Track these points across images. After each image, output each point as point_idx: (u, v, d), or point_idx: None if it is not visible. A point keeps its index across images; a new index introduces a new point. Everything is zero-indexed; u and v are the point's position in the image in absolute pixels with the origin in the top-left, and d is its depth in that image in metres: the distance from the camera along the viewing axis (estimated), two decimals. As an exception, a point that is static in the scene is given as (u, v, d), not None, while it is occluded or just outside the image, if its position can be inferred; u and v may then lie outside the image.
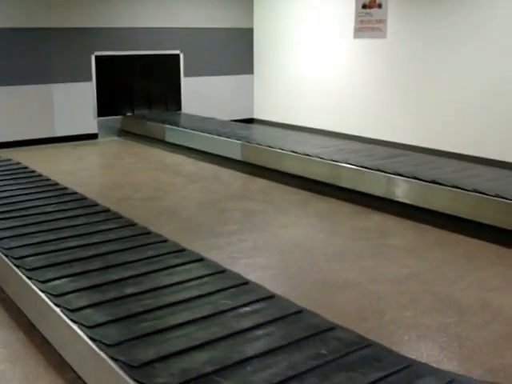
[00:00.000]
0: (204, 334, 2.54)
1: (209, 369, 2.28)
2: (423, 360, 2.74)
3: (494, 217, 4.65)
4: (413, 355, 2.81)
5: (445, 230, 4.94)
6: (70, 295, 2.90)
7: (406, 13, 8.02)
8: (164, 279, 3.11)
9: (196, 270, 3.24)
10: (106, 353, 2.39)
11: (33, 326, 3.15)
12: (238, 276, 3.20)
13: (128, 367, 2.28)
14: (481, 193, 4.72)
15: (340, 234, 5.01)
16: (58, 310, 2.77)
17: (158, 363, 2.32)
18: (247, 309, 2.78)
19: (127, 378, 2.24)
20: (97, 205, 4.47)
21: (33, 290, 3.02)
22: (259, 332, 2.57)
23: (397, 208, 5.39)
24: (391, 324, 3.35)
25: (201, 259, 3.40)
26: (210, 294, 2.92)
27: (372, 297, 3.71)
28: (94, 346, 2.46)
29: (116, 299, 2.87)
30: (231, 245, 4.60)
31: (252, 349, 2.43)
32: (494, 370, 2.87)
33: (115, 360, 2.34)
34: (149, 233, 3.84)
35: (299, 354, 2.41)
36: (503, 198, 4.60)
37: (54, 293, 2.91)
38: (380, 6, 8.26)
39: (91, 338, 2.51)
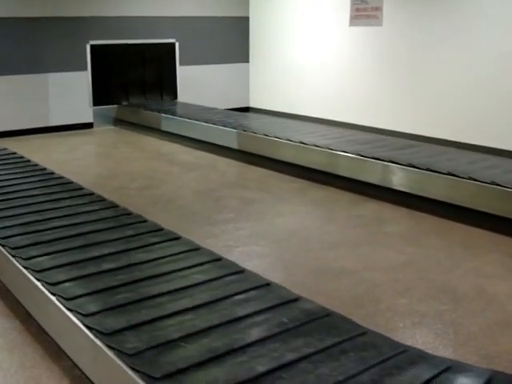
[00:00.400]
0: (174, 305, 2.78)
1: (176, 335, 2.51)
2: (419, 347, 2.82)
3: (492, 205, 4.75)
4: (408, 342, 2.87)
5: (442, 217, 5.04)
6: (51, 271, 3.15)
7: (401, 0, 8.15)
8: (141, 256, 3.35)
9: (172, 247, 3.48)
10: (82, 322, 2.64)
11: (29, 314, 3.28)
12: (211, 253, 3.43)
13: (101, 334, 2.53)
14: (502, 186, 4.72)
15: (336, 221, 5.13)
16: (39, 284, 3.02)
17: (129, 331, 2.56)
18: (218, 282, 3.02)
19: (100, 344, 2.49)
20: (82, 188, 4.71)
21: (16, 267, 3.27)
22: (227, 302, 2.81)
23: (394, 196, 5.50)
24: (387, 311, 3.46)
25: (177, 238, 3.63)
26: (183, 269, 3.15)
27: (368, 284, 3.83)
28: (71, 317, 2.71)
29: (94, 274, 3.11)
30: (227, 233, 4.73)
31: (219, 317, 2.66)
32: (489, 357, 2.97)
33: (90, 328, 2.59)
34: (129, 213, 4.08)
35: (263, 322, 2.64)
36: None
37: (36, 269, 3.16)
38: (376, -7, 8.40)
39: (69, 309, 2.76)
